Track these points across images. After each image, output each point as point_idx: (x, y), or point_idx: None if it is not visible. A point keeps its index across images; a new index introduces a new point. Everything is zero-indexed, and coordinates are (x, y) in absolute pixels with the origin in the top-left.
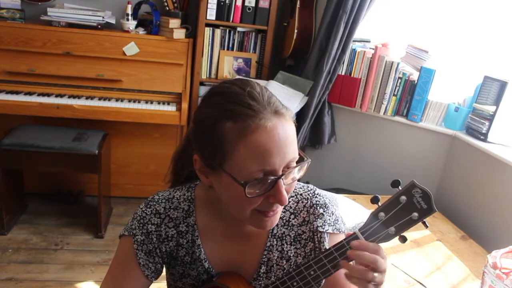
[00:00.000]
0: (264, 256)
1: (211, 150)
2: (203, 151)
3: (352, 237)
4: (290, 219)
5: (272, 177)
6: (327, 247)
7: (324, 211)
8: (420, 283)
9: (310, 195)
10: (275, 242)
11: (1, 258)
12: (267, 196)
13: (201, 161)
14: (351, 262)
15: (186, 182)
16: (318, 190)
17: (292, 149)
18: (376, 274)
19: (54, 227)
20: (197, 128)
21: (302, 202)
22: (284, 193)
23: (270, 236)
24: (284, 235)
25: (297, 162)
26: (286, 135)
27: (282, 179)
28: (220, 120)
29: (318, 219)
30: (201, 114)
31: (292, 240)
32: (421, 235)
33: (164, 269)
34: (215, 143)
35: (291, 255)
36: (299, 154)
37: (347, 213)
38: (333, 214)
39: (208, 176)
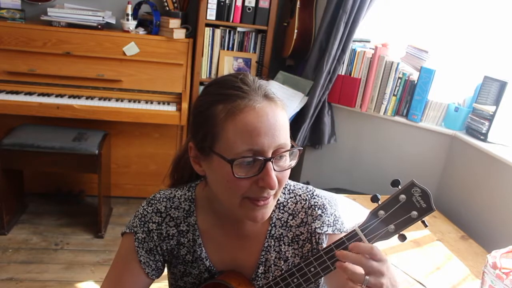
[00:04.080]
0: (262, 257)
1: (203, 133)
2: (197, 135)
3: (351, 234)
4: (288, 220)
5: (261, 158)
6: None
7: (322, 212)
8: (420, 283)
9: (309, 196)
10: (272, 243)
11: (1, 258)
12: (256, 180)
13: (194, 148)
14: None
15: (186, 183)
16: (317, 191)
17: (282, 134)
18: (367, 277)
19: (54, 227)
20: (193, 115)
21: (301, 203)
22: (273, 176)
23: (268, 237)
24: (282, 236)
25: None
26: (275, 118)
27: (272, 162)
28: (213, 104)
29: (316, 221)
30: (197, 102)
31: (290, 241)
32: (421, 235)
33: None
34: (207, 125)
35: (289, 255)
36: (291, 144)
37: (347, 213)
38: (331, 215)
39: (201, 164)
